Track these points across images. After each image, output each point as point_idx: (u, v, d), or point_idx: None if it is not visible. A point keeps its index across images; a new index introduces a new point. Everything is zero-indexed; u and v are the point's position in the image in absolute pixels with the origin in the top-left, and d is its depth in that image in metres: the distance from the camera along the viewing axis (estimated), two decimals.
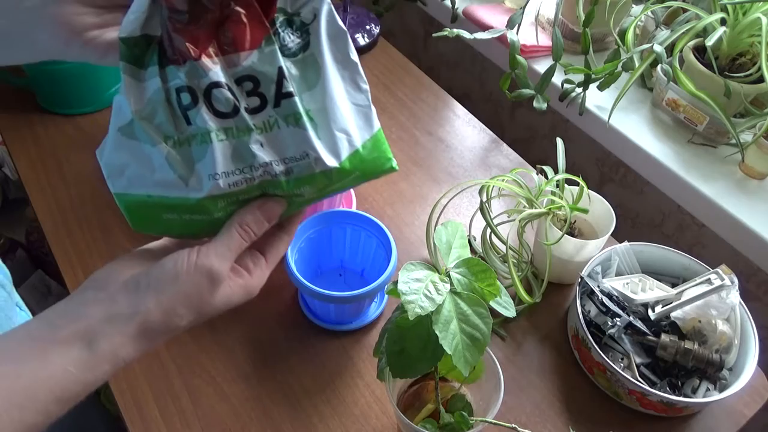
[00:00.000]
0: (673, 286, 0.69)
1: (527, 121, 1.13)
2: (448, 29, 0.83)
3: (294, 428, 0.62)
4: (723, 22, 0.76)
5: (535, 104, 0.87)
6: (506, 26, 0.84)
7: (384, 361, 0.51)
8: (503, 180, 0.72)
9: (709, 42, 0.72)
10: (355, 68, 0.41)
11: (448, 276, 0.49)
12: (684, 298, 0.65)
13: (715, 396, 0.61)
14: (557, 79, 0.88)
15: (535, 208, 0.70)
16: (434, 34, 0.85)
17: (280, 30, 0.39)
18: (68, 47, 0.39)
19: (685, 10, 0.82)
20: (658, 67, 0.83)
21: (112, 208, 0.80)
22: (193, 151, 0.38)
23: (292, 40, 0.39)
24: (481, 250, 0.75)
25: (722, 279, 0.64)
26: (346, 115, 0.40)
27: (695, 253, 0.78)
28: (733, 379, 0.63)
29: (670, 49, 0.78)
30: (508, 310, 0.52)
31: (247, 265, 0.41)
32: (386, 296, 0.72)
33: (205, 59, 0.37)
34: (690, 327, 0.65)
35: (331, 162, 0.39)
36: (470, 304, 0.47)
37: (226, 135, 0.38)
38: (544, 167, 0.75)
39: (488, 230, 0.73)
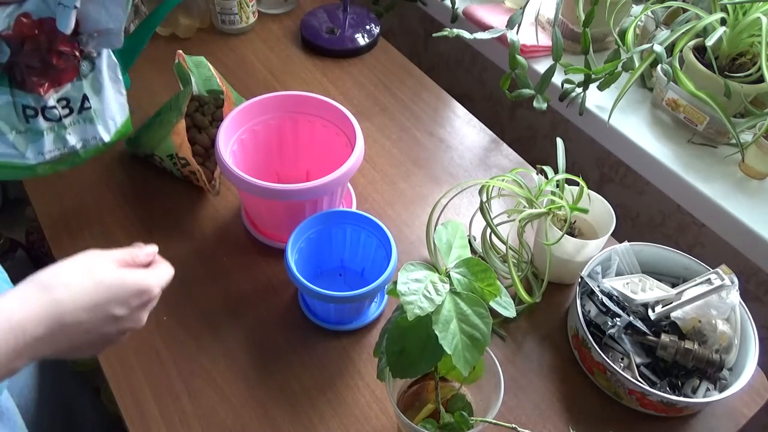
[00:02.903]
0: (673, 286, 0.69)
1: (527, 121, 1.13)
2: (448, 29, 0.83)
3: (294, 428, 0.62)
4: (723, 22, 0.76)
5: (535, 104, 0.87)
6: (506, 26, 0.84)
7: (384, 361, 0.51)
8: (503, 180, 0.72)
9: (709, 42, 0.72)
10: (119, 82, 0.70)
11: (448, 276, 0.49)
12: (684, 298, 0.65)
13: (715, 396, 0.61)
14: (557, 79, 0.88)
15: (535, 208, 0.70)
16: (434, 34, 0.85)
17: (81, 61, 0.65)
18: None
19: (685, 10, 0.82)
20: (658, 67, 0.83)
21: (112, 208, 0.80)
22: (30, 138, 0.64)
23: (87, 66, 0.65)
24: (481, 250, 0.75)
25: (722, 279, 0.64)
26: (114, 109, 0.70)
27: (695, 253, 0.78)
28: (733, 379, 0.63)
29: (670, 49, 0.78)
30: (508, 310, 0.52)
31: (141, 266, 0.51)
32: (386, 296, 0.72)
33: (44, 93, 0.63)
34: (690, 327, 0.65)
35: (106, 138, 0.70)
36: (470, 304, 0.47)
37: (52, 131, 0.65)
38: (544, 167, 0.75)
39: (488, 230, 0.73)
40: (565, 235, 0.67)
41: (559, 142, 0.75)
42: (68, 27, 0.59)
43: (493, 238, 0.74)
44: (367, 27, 1.08)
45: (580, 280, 0.68)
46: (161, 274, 0.52)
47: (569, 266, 0.73)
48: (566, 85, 0.88)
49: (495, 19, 0.99)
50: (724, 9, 0.75)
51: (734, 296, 0.64)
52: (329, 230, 0.71)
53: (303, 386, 0.65)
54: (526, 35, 0.95)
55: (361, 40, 1.06)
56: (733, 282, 0.64)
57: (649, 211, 0.95)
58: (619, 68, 0.82)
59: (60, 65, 0.62)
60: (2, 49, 0.59)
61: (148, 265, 0.52)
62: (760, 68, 0.73)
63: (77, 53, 0.63)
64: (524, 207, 0.72)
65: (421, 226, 0.82)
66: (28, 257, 1.49)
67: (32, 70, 0.61)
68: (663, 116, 0.88)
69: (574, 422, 0.64)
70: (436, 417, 0.55)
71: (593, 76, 0.84)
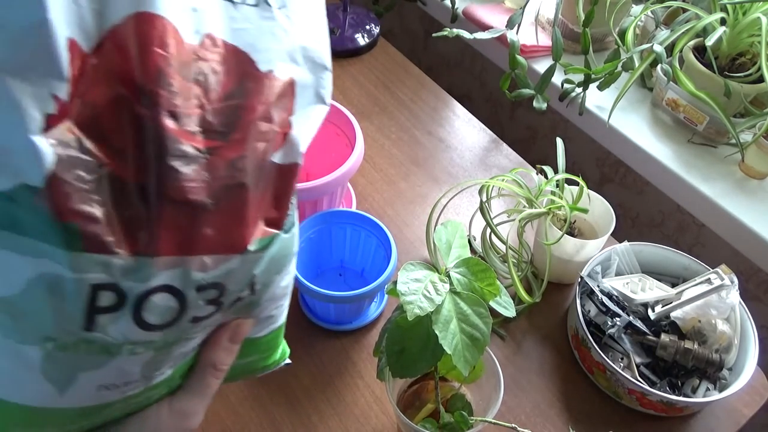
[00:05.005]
0: (673, 286, 0.69)
1: (527, 121, 1.13)
2: (448, 29, 0.83)
3: (294, 428, 0.62)
4: (723, 21, 0.76)
5: (535, 104, 0.87)
6: (506, 26, 0.84)
7: (384, 360, 0.51)
8: (503, 180, 0.72)
9: (709, 42, 0.72)
10: None
11: (448, 276, 0.49)
12: (684, 298, 0.65)
13: (715, 396, 0.61)
14: (557, 79, 0.88)
15: (535, 208, 0.70)
16: (434, 34, 0.85)
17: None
18: None
19: (685, 10, 0.82)
20: (658, 67, 0.83)
21: None
22: (80, 360, 0.28)
23: None
24: (481, 250, 0.75)
25: (722, 279, 0.64)
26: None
27: (695, 253, 0.78)
28: (732, 379, 0.63)
29: (670, 49, 0.78)
30: (508, 310, 0.52)
31: None
32: (386, 296, 0.72)
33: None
34: (690, 327, 0.65)
35: None
36: (470, 303, 0.47)
37: (145, 348, 0.29)
38: (544, 167, 0.75)
39: (488, 230, 0.73)
40: (565, 235, 0.67)
41: (559, 142, 0.75)
42: None
43: (493, 238, 0.74)
44: (367, 27, 1.08)
45: (579, 279, 0.68)
46: None
47: (569, 266, 0.73)
48: (566, 85, 0.88)
49: (495, 19, 0.99)
50: (723, 9, 0.75)
51: (734, 296, 0.64)
52: (329, 230, 0.71)
53: (303, 386, 0.65)
54: (526, 35, 0.95)
55: (361, 40, 1.06)
56: (732, 282, 0.64)
57: (649, 211, 0.95)
58: (619, 68, 0.82)
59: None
60: None
61: None
62: (759, 68, 0.73)
63: None
64: (524, 207, 0.72)
65: (420, 226, 0.82)
66: None
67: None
68: (663, 116, 0.88)
69: (574, 422, 0.64)
70: (436, 417, 0.55)
71: (593, 76, 0.84)
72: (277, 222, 0.31)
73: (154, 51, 0.25)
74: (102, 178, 0.25)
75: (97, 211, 0.25)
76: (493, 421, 0.53)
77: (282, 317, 0.39)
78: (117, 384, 0.30)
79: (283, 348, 0.42)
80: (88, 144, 0.24)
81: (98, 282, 0.26)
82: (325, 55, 0.32)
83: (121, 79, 0.25)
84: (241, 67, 0.28)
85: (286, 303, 0.37)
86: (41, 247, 0.25)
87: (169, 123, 0.25)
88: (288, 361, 0.43)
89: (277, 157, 0.30)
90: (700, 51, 0.81)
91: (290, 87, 0.30)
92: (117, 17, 0.24)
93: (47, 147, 0.23)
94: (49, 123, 0.24)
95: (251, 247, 0.29)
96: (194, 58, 0.26)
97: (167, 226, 0.26)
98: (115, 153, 0.25)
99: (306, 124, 0.31)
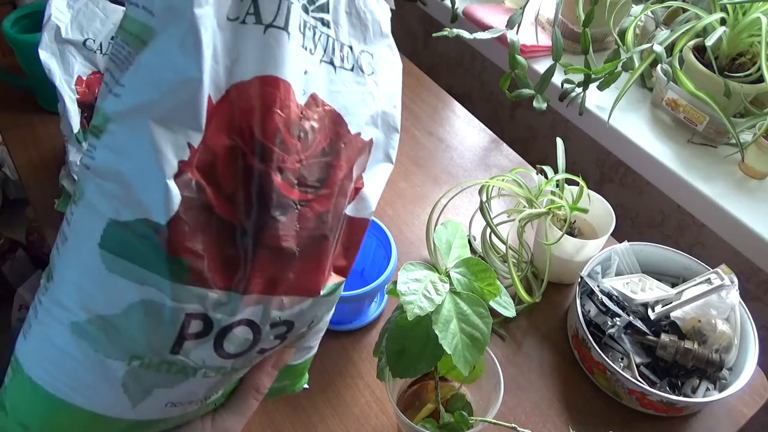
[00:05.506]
0: (673, 286, 0.69)
1: (527, 121, 1.13)
2: (448, 29, 0.83)
3: (294, 428, 0.62)
4: (723, 21, 0.76)
5: (534, 104, 0.87)
6: (506, 26, 0.84)
7: (384, 360, 0.51)
8: (503, 180, 0.72)
9: (709, 42, 0.72)
10: None
11: (448, 276, 0.49)
12: (684, 298, 0.65)
13: (715, 396, 0.61)
14: (557, 79, 0.88)
15: (535, 208, 0.70)
16: (434, 34, 0.85)
17: None
18: None
19: (685, 10, 0.82)
20: (658, 67, 0.83)
21: None
22: (159, 378, 0.31)
23: None
24: (481, 250, 0.75)
25: (722, 279, 0.64)
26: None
27: (695, 253, 0.78)
28: (732, 379, 0.63)
29: (670, 49, 0.78)
30: (508, 310, 0.52)
31: None
32: (386, 296, 0.72)
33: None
34: (690, 327, 0.65)
35: None
36: (470, 303, 0.47)
37: (216, 373, 0.33)
38: (544, 167, 0.75)
39: (488, 230, 0.73)
40: (565, 235, 0.67)
41: (559, 142, 0.75)
42: None
43: (493, 238, 0.74)
44: None
45: (579, 279, 0.68)
46: None
47: (569, 266, 0.73)
48: (566, 85, 0.88)
49: (495, 19, 0.99)
50: (723, 9, 0.75)
51: (734, 296, 0.64)
52: None
53: None
54: (526, 35, 0.95)
55: None
56: (732, 282, 0.64)
57: (649, 211, 0.95)
58: (619, 68, 0.82)
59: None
60: None
61: None
62: (759, 68, 0.73)
63: None
64: (524, 207, 0.72)
65: (421, 226, 0.82)
66: (28, 257, 1.49)
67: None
68: (663, 116, 0.88)
69: (574, 422, 0.64)
70: (436, 417, 0.55)
71: (593, 76, 0.84)
72: (344, 270, 0.35)
73: (275, 112, 0.28)
74: (211, 219, 0.28)
75: (205, 249, 0.28)
76: (493, 421, 0.53)
77: (316, 347, 0.42)
78: (182, 402, 0.33)
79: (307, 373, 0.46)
80: (205, 187, 0.28)
81: (192, 312, 0.29)
82: (398, 118, 0.36)
83: (239, 130, 0.27)
84: (335, 127, 0.31)
85: (322, 334, 0.41)
86: (149, 276, 0.28)
87: (277, 177, 0.28)
88: (306, 386, 0.46)
89: (349, 210, 0.33)
90: (700, 51, 0.81)
91: (369, 146, 0.33)
92: (244, 75, 0.27)
93: (176, 191, 0.27)
94: (181, 169, 0.27)
95: (323, 292, 0.34)
96: (300, 117, 0.29)
97: (260, 268, 0.30)
98: (224, 197, 0.28)
99: (374, 181, 0.35)
